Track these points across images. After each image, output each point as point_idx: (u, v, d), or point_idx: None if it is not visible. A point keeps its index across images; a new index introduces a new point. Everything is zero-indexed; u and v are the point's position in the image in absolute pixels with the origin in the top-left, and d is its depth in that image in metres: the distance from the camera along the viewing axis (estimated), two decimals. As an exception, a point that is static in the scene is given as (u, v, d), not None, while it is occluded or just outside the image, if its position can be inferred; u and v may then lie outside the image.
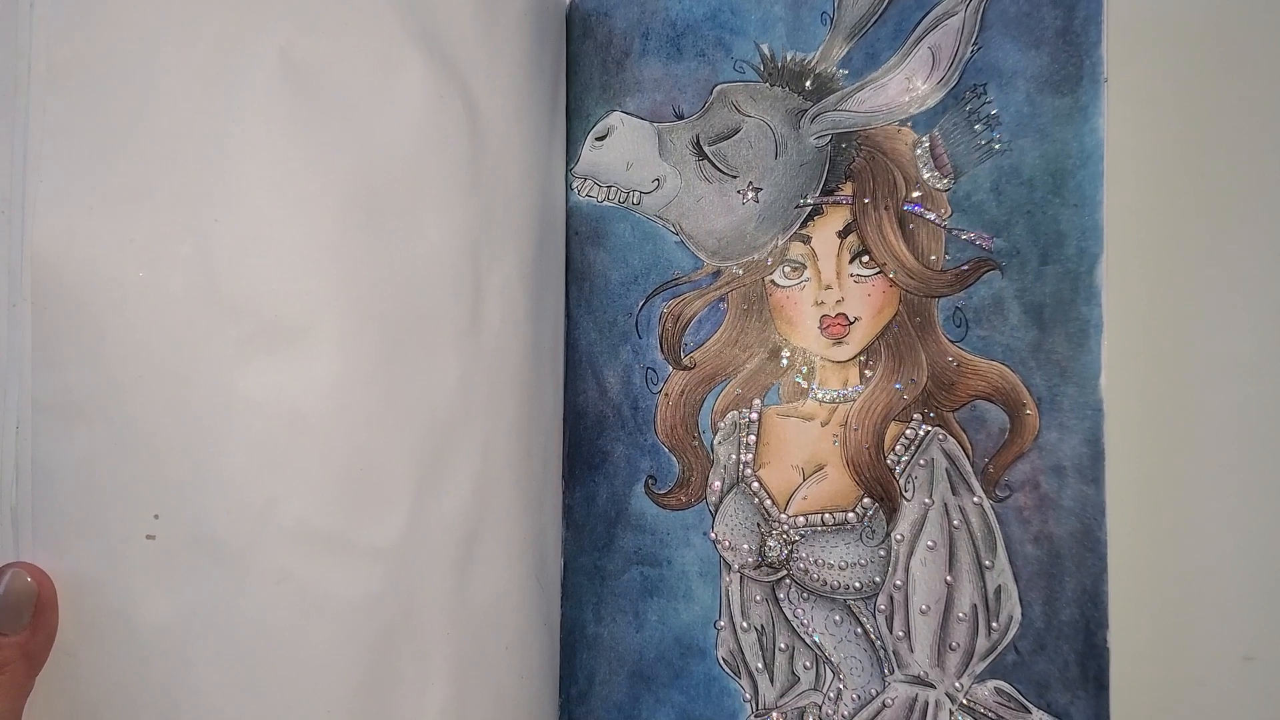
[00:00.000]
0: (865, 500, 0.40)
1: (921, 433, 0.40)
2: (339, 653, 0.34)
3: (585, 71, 0.45)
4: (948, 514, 0.39)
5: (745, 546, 0.42)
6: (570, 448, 0.45)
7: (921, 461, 0.40)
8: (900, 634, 0.40)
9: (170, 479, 0.31)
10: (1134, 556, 0.40)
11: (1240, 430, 0.42)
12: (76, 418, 0.31)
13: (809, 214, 0.42)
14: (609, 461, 0.44)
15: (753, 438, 0.42)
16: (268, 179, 0.33)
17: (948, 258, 0.40)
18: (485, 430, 0.39)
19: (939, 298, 0.40)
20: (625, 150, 0.44)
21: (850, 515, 0.41)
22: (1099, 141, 0.38)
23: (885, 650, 0.40)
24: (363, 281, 0.34)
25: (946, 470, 0.40)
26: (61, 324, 0.31)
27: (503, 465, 0.40)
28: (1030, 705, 0.38)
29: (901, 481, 0.40)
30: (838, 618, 0.41)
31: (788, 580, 0.41)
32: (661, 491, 0.43)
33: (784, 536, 0.41)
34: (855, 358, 0.41)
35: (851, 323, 0.41)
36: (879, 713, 0.40)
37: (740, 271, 0.42)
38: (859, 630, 0.40)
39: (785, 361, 0.42)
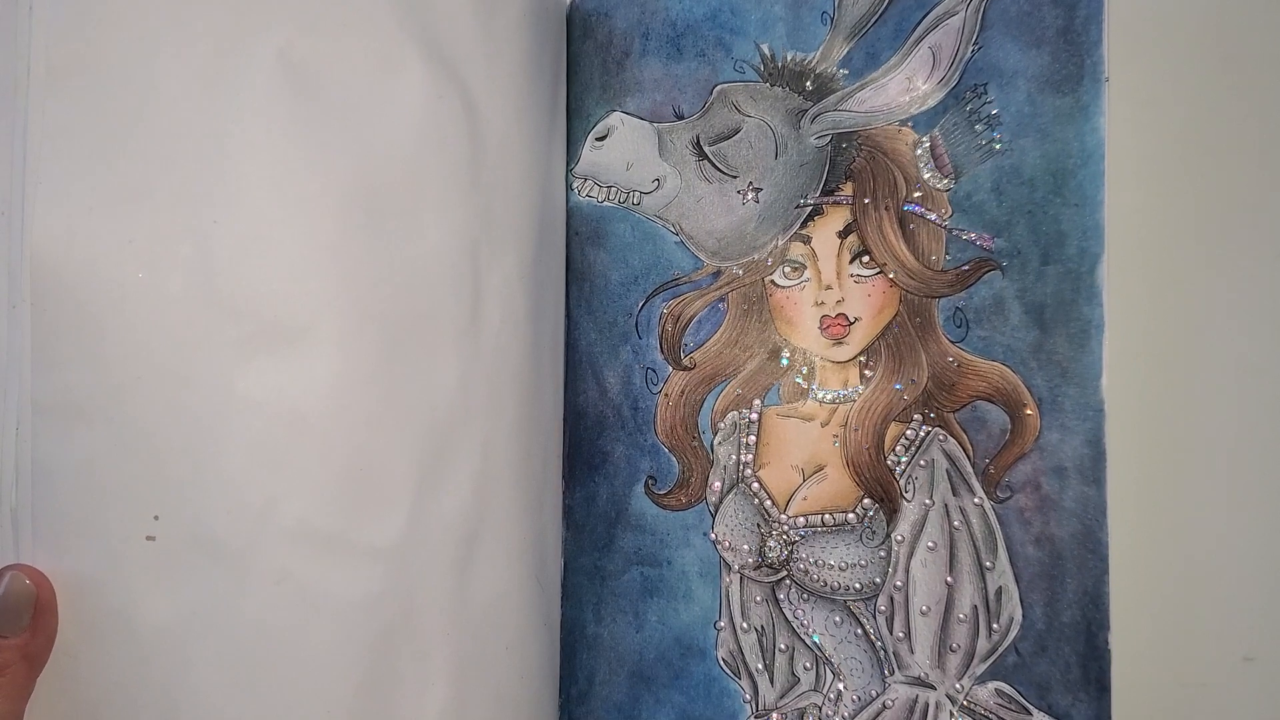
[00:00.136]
0: (865, 501, 0.40)
1: (922, 433, 0.40)
2: (339, 653, 0.34)
3: (585, 71, 0.45)
4: (948, 515, 0.39)
5: (745, 547, 0.42)
6: (570, 448, 0.45)
7: (922, 462, 0.40)
8: (900, 635, 0.40)
9: (170, 479, 0.31)
10: (1135, 558, 0.40)
11: (1241, 431, 0.42)
12: (76, 418, 0.31)
13: (809, 214, 0.41)
14: (609, 462, 0.44)
15: (753, 438, 0.42)
16: (267, 179, 0.33)
17: (948, 258, 0.40)
18: (485, 430, 0.39)
19: (939, 298, 0.40)
20: (625, 150, 0.44)
21: (850, 516, 0.41)
22: (1100, 141, 0.38)
23: (885, 651, 0.40)
24: (363, 281, 0.35)
25: (947, 471, 0.39)
26: (61, 324, 0.31)
27: (503, 465, 0.40)
28: (1031, 707, 0.38)
29: (902, 482, 0.40)
30: (838, 618, 0.41)
31: (788, 581, 0.41)
32: (661, 492, 0.43)
33: (784, 537, 0.41)
34: (855, 358, 0.41)
35: (852, 323, 0.41)
36: (879, 714, 0.40)
37: (740, 272, 0.42)
38: (859, 631, 0.40)
39: (785, 362, 0.42)
